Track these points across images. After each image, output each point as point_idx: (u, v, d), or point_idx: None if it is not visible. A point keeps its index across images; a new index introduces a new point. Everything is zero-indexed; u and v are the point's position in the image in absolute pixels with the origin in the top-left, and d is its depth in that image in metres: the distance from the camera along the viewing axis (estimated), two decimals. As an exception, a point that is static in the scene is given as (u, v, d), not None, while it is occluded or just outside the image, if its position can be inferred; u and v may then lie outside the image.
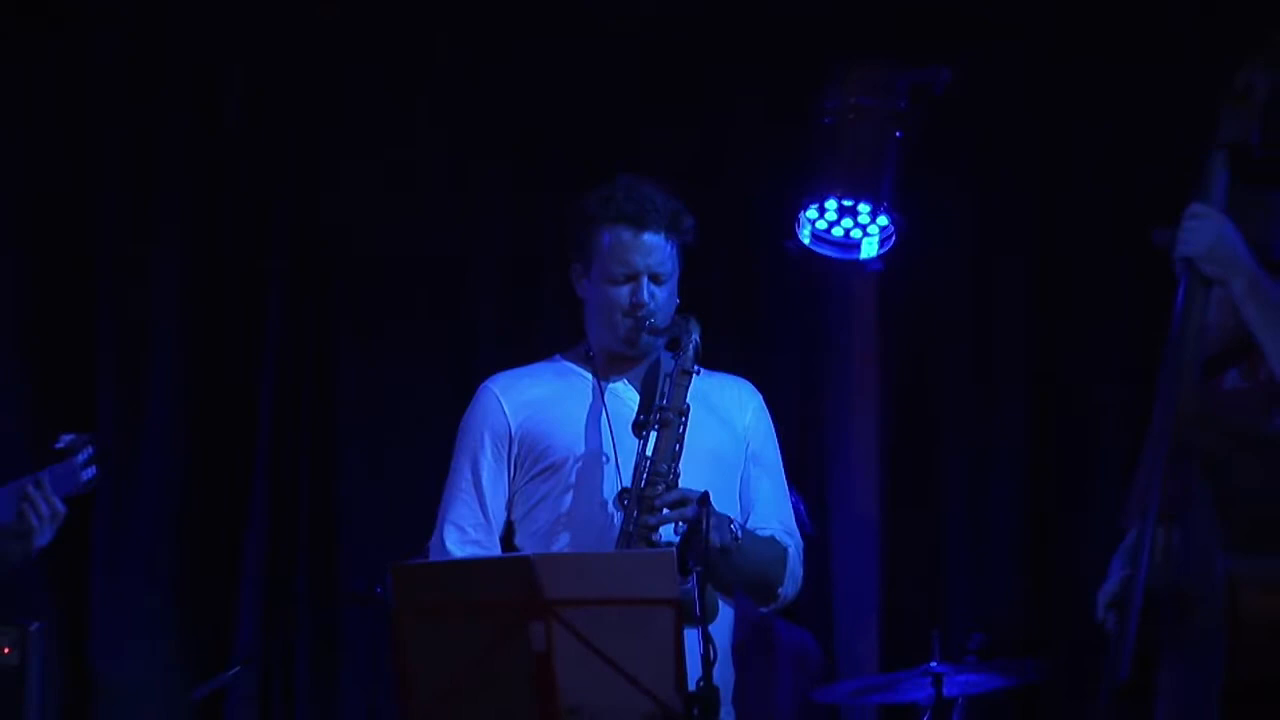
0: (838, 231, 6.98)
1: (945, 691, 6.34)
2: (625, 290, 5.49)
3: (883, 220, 6.94)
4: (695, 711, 4.85)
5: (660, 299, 5.47)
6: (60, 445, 5.39)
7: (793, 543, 5.57)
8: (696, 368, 5.38)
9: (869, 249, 7.01)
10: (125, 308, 7.26)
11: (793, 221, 6.98)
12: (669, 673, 4.78)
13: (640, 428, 5.38)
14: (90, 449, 5.44)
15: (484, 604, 4.92)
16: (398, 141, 7.43)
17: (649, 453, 5.32)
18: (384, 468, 7.23)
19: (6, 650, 6.62)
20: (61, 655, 7.20)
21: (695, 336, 5.37)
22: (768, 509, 5.62)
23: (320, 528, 7.36)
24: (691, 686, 4.84)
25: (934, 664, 6.34)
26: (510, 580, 4.88)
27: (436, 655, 4.90)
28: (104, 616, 7.28)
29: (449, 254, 7.46)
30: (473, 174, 7.48)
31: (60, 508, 5.28)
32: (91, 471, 5.46)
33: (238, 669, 6.98)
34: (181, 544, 7.34)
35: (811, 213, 6.96)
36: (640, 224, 5.50)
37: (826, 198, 6.96)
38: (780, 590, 5.58)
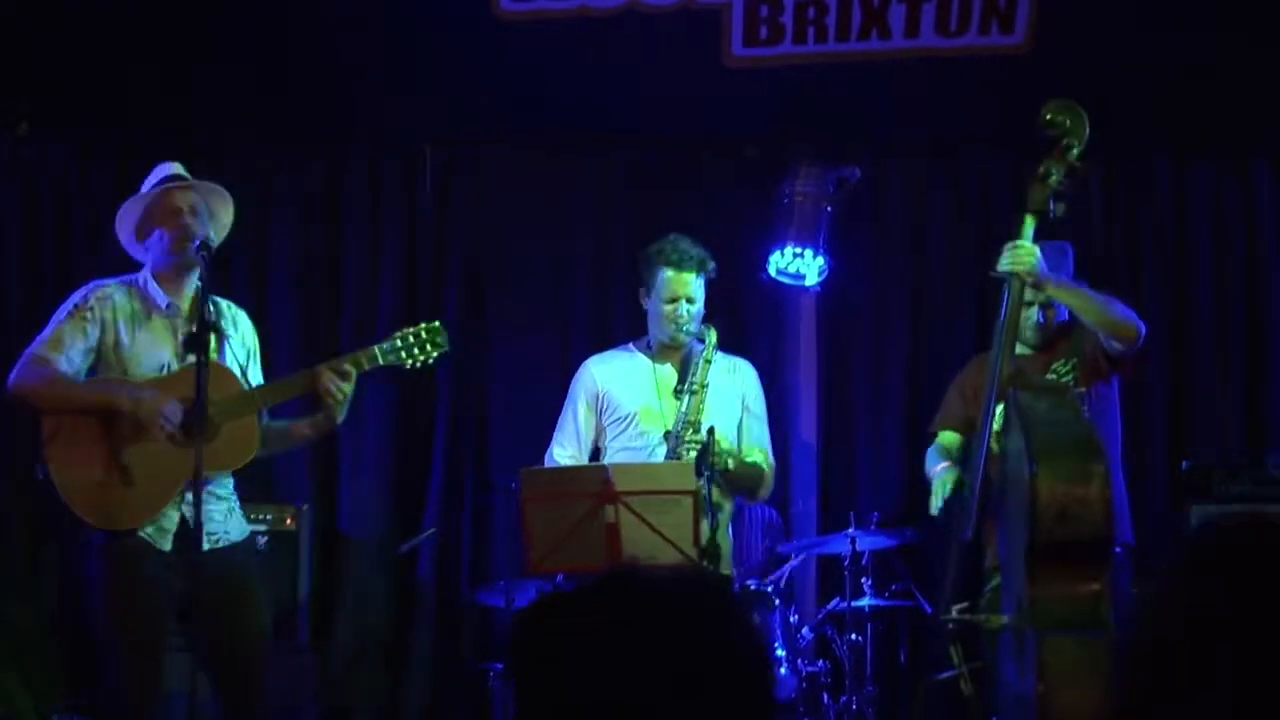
0: (792, 268, 6.98)
1: (858, 547, 6.33)
2: (670, 308, 5.58)
3: (820, 261, 6.94)
4: (705, 559, 4.91)
5: (693, 314, 5.59)
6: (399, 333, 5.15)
7: (769, 466, 5.65)
8: (714, 356, 5.48)
9: (811, 279, 6.99)
10: (365, 304, 7.25)
11: (765, 261, 6.97)
12: (689, 535, 4.88)
13: (678, 394, 5.48)
14: (426, 335, 5.14)
15: (577, 493, 5.02)
16: (533, 228, 7.44)
17: (683, 409, 5.40)
18: (517, 408, 7.19)
19: (289, 521, 6.64)
20: (321, 526, 7.11)
21: (713, 339, 5.49)
22: (757, 443, 5.70)
23: (479, 446, 7.34)
24: (703, 544, 4.91)
25: (851, 530, 6.32)
26: (593, 480, 5.04)
27: (548, 524, 5.03)
28: (348, 499, 7.27)
29: (558, 282, 7.44)
30: (574, 239, 7.45)
31: (348, 390, 5.01)
32: (427, 357, 5.16)
33: (428, 533, 6.99)
34: (396, 452, 7.31)
35: (776, 256, 6.96)
36: (681, 267, 5.62)
37: (785, 246, 6.95)
38: (761, 494, 5.71)
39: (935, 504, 5.45)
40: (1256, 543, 1.62)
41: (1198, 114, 6.98)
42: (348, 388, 4.97)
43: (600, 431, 5.76)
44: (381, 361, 5.08)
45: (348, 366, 4.98)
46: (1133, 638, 1.63)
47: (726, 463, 5.41)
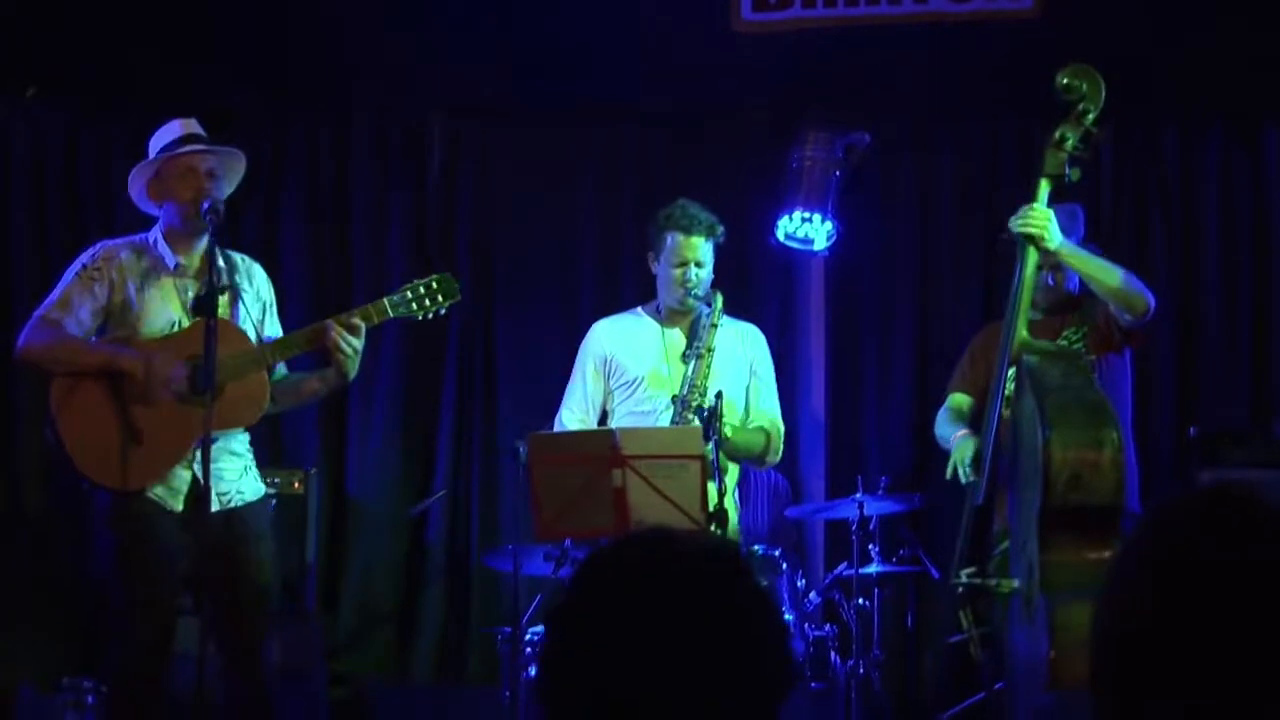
0: (800, 232, 6.92)
1: (866, 512, 6.25)
2: (679, 272, 5.55)
3: (828, 226, 6.88)
4: (714, 524, 4.90)
5: (701, 278, 5.55)
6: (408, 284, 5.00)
7: (775, 430, 5.62)
8: (720, 320, 5.42)
9: (819, 243, 6.93)
10: (374, 277, 7.14)
11: (774, 226, 6.90)
12: (696, 500, 4.86)
13: (685, 358, 5.44)
14: (437, 286, 4.99)
15: (585, 457, 4.98)
16: (541, 195, 7.36)
17: (690, 374, 5.38)
18: (525, 375, 7.16)
19: (297, 485, 6.60)
20: (329, 490, 7.08)
21: (719, 303, 5.44)
22: (763, 407, 5.68)
23: (487, 412, 7.30)
24: (711, 509, 4.89)
25: (859, 495, 6.25)
26: (601, 444, 5.03)
27: (555, 488, 5.01)
28: (357, 463, 7.24)
29: (566, 249, 7.38)
30: (581, 207, 7.40)
31: (357, 345, 4.87)
32: (438, 307, 5.00)
33: (437, 496, 6.94)
34: (404, 417, 7.27)
35: (784, 221, 6.90)
36: (690, 231, 5.58)
37: (793, 211, 6.88)
38: (768, 459, 5.71)
39: (962, 473, 5.38)
40: (1218, 515, 1.58)
41: (1206, 80, 6.91)
42: (356, 342, 4.86)
43: (608, 394, 5.72)
44: (392, 314, 4.96)
45: (356, 320, 4.87)
46: (1100, 615, 1.61)
47: (724, 431, 5.37)
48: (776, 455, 5.72)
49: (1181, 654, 1.51)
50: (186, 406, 4.76)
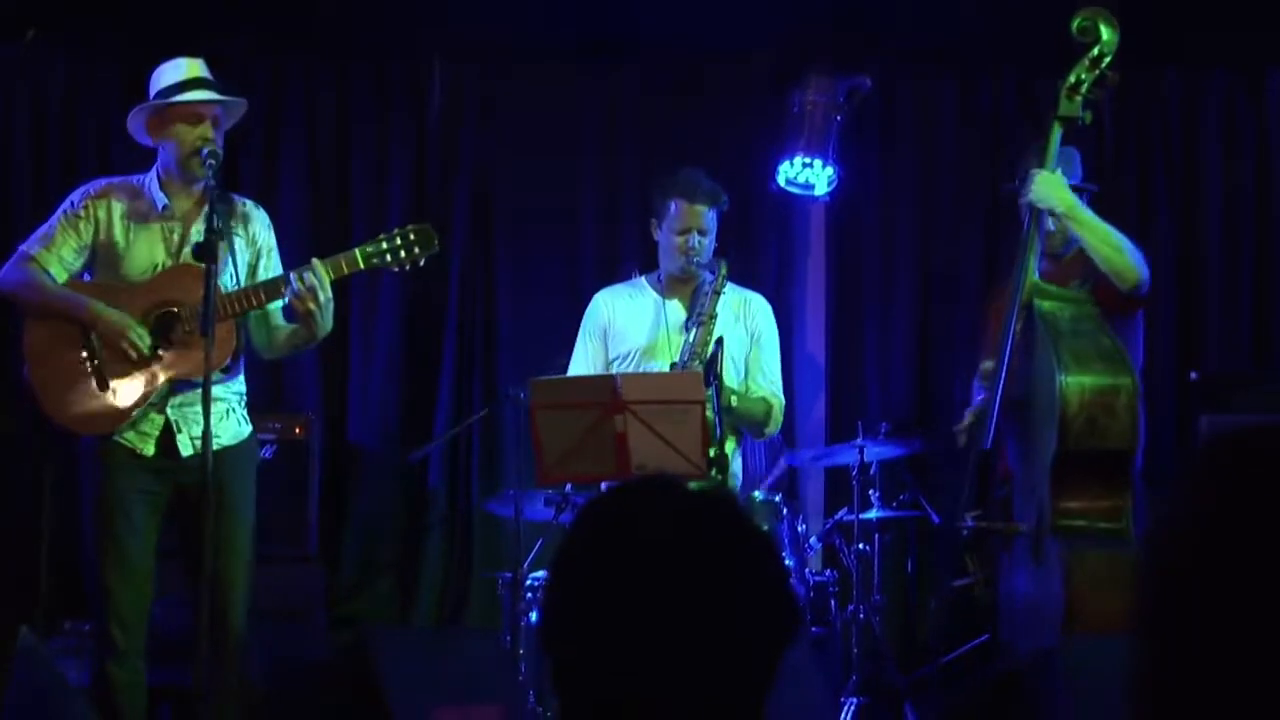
0: (801, 177, 6.87)
1: (866, 457, 6.18)
2: (682, 239, 5.50)
3: (829, 171, 6.81)
4: (714, 469, 4.87)
5: (704, 245, 5.51)
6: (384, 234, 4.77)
7: (777, 401, 5.58)
8: (725, 287, 5.45)
9: (820, 189, 6.86)
10: (373, 222, 7.00)
11: (774, 171, 6.82)
12: (697, 445, 4.82)
13: (686, 327, 5.42)
14: (414, 237, 4.75)
15: (586, 402, 4.95)
16: (542, 140, 7.23)
17: (690, 340, 5.34)
18: (525, 322, 7.09)
19: (299, 430, 6.51)
20: (330, 435, 6.99)
21: (723, 270, 5.41)
22: (764, 376, 5.66)
23: (487, 357, 7.21)
24: (711, 455, 4.83)
25: (859, 440, 6.17)
26: (603, 389, 5.01)
27: (557, 433, 5.01)
28: (358, 408, 7.15)
29: (566, 196, 7.25)
30: (582, 152, 7.27)
31: (321, 300, 4.64)
32: (415, 259, 4.77)
33: (437, 442, 6.88)
34: (404, 362, 7.17)
35: (785, 166, 6.84)
36: (694, 199, 5.53)
37: (794, 156, 6.81)
38: (767, 429, 5.70)
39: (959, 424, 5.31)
40: (1268, 451, 1.48)
41: (1209, 22, 6.80)
42: (321, 295, 4.64)
43: (609, 364, 5.67)
44: (363, 265, 4.72)
45: (315, 274, 4.64)
46: (1146, 557, 1.52)
47: (729, 399, 5.29)
48: (775, 426, 5.66)
49: (1232, 593, 1.41)
50: (149, 354, 4.72)
